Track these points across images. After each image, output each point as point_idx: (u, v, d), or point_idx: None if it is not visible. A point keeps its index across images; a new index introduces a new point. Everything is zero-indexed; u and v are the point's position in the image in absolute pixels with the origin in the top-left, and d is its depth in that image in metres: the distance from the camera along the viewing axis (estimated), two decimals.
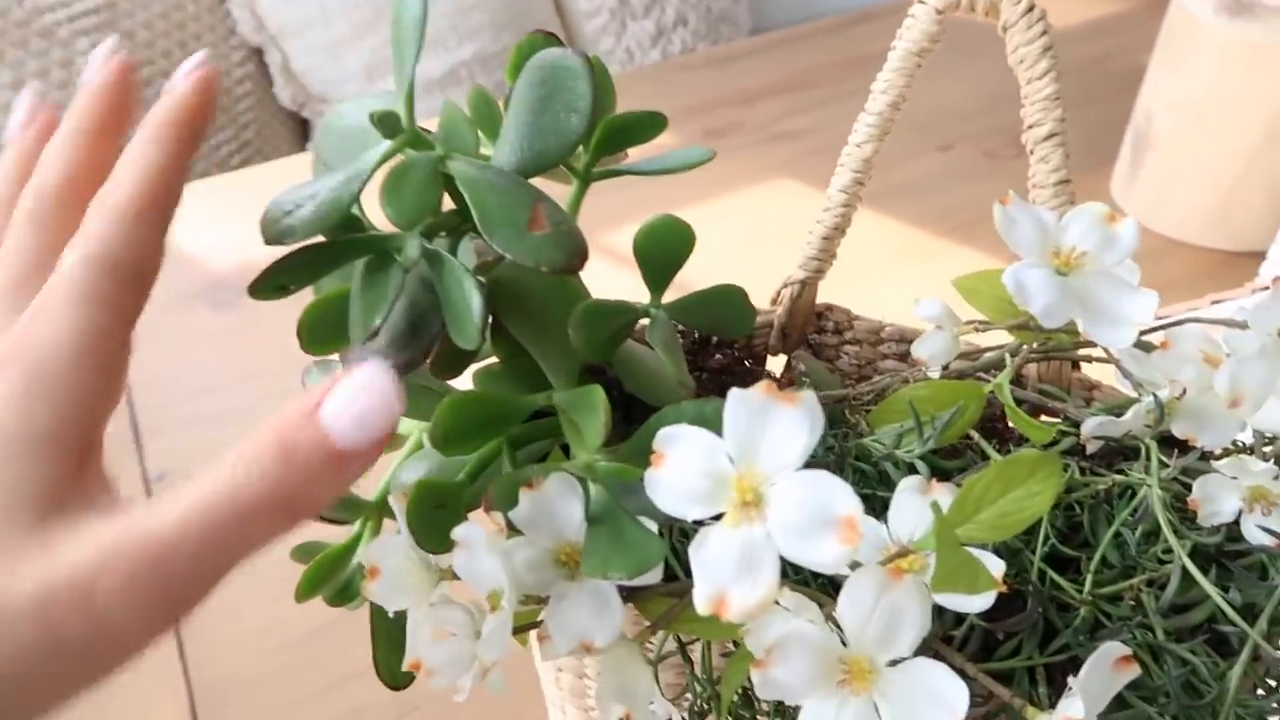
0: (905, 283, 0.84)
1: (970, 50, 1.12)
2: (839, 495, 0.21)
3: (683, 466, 0.22)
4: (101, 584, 0.19)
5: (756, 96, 1.14)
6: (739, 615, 0.21)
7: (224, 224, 0.97)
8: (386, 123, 0.27)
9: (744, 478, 0.22)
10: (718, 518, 0.22)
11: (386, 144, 0.27)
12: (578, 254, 0.26)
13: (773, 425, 0.21)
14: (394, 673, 0.32)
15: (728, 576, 0.21)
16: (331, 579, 0.32)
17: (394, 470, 0.33)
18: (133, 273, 0.23)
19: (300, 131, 1.37)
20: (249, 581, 0.66)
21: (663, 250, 0.31)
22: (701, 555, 0.22)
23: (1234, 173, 0.80)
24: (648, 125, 0.30)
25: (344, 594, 0.33)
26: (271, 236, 0.26)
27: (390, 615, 0.33)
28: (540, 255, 0.25)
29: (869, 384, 0.35)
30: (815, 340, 0.40)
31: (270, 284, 0.27)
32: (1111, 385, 0.37)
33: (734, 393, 0.21)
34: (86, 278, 0.22)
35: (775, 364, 0.41)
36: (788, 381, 0.39)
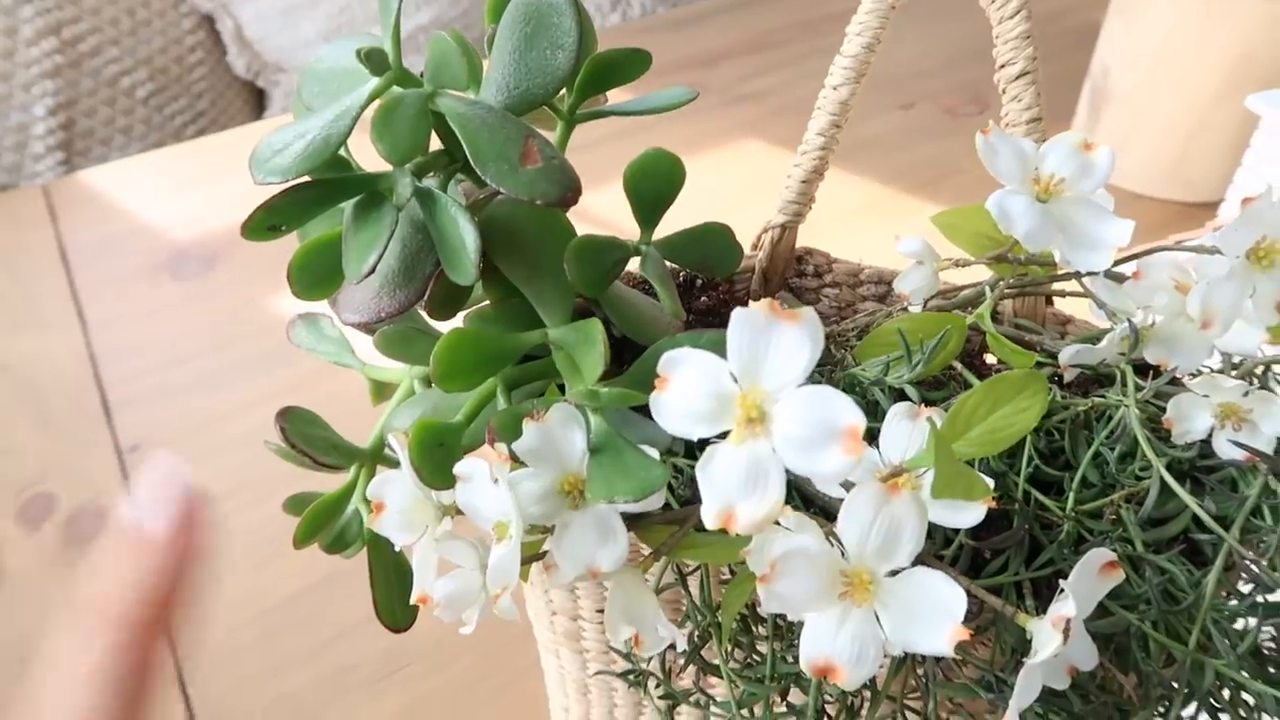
0: (869, 238, 0.85)
1: (931, 9, 1.13)
2: (842, 408, 0.22)
3: (687, 388, 0.23)
4: None
5: (718, 58, 1.14)
6: (746, 527, 0.22)
7: (183, 194, 0.96)
8: (374, 60, 0.27)
9: (748, 395, 0.22)
10: (722, 437, 0.23)
11: (374, 81, 0.27)
12: (571, 187, 0.26)
13: (775, 343, 0.22)
14: (394, 614, 0.32)
15: (735, 491, 0.22)
16: (328, 525, 0.32)
17: (388, 416, 0.33)
18: None
19: (255, 100, 1.35)
20: (231, 551, 0.66)
21: (653, 185, 0.31)
22: (709, 472, 0.22)
23: (1189, 125, 0.82)
24: (634, 62, 0.30)
25: (339, 540, 0.33)
26: (261, 175, 0.26)
27: (387, 557, 0.33)
28: (535, 188, 0.26)
29: (852, 320, 0.35)
30: (796, 284, 0.41)
31: (260, 224, 0.27)
32: (1084, 319, 0.38)
33: (738, 312, 0.22)
34: None
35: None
36: None
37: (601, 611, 0.37)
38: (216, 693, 0.55)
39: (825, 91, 0.38)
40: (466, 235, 0.26)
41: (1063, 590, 0.24)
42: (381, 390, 0.37)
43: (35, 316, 0.81)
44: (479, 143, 0.26)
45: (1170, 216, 0.84)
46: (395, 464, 0.35)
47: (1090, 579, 0.24)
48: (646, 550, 0.28)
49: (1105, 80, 0.87)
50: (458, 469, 0.27)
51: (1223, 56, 0.79)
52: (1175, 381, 0.32)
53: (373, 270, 0.26)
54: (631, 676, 0.32)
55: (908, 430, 0.28)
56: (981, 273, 0.36)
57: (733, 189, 0.89)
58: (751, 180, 0.91)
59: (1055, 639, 0.23)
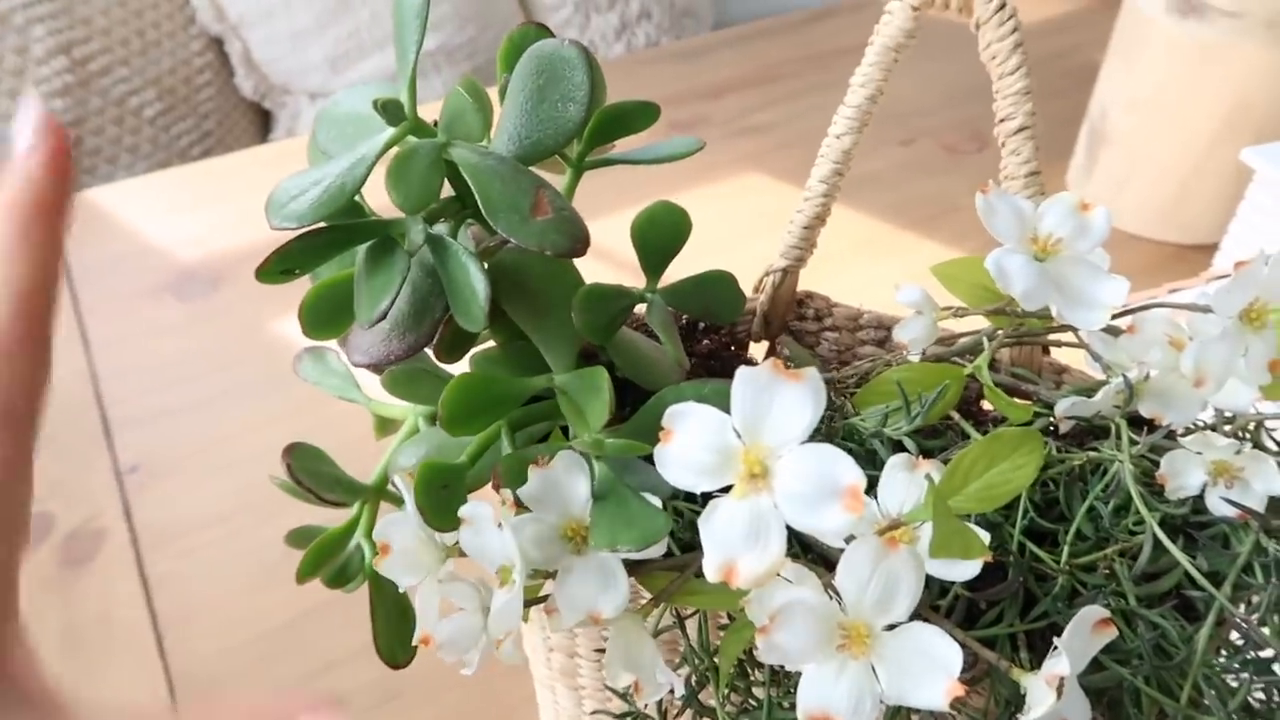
0: (867, 275, 0.86)
1: (931, 48, 1.15)
2: (843, 466, 0.22)
3: (691, 441, 0.23)
4: None
5: (722, 90, 1.16)
6: (747, 582, 0.23)
7: (188, 215, 0.97)
8: (390, 110, 0.27)
9: (751, 451, 0.23)
10: (724, 491, 0.23)
11: (390, 131, 0.28)
12: (580, 238, 0.27)
13: (778, 401, 0.22)
14: (392, 650, 0.33)
15: (737, 545, 0.22)
16: (331, 560, 0.33)
17: (391, 454, 0.34)
18: (22, 412, 0.22)
19: (262, 123, 1.36)
20: (226, 573, 0.66)
21: (660, 236, 0.32)
22: (711, 526, 0.23)
23: (1186, 168, 0.83)
24: (642, 114, 0.31)
25: (341, 575, 0.33)
26: (278, 220, 0.27)
27: (389, 595, 0.33)
28: (544, 239, 0.26)
29: (851, 368, 0.36)
30: (796, 327, 0.42)
31: (275, 269, 0.27)
32: (1080, 369, 0.38)
33: (742, 370, 0.22)
34: None
35: (757, 350, 0.42)
36: None
37: (599, 651, 0.37)
38: None
39: (828, 140, 0.39)
40: (477, 283, 0.27)
41: (1056, 647, 0.24)
42: (385, 425, 0.38)
43: None
44: (491, 193, 0.27)
45: (1166, 258, 0.85)
46: (398, 500, 0.35)
47: (1084, 636, 0.25)
48: (646, 595, 0.28)
49: (1103, 121, 0.88)
50: (463, 512, 0.27)
51: (1219, 101, 0.80)
52: (1170, 435, 0.32)
53: (384, 316, 0.26)
54: (629, 718, 0.32)
55: (905, 481, 0.28)
56: (980, 319, 0.37)
57: (736, 222, 0.90)
58: (755, 213, 0.92)
59: (1049, 697, 0.23)
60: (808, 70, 1.18)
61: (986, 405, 0.40)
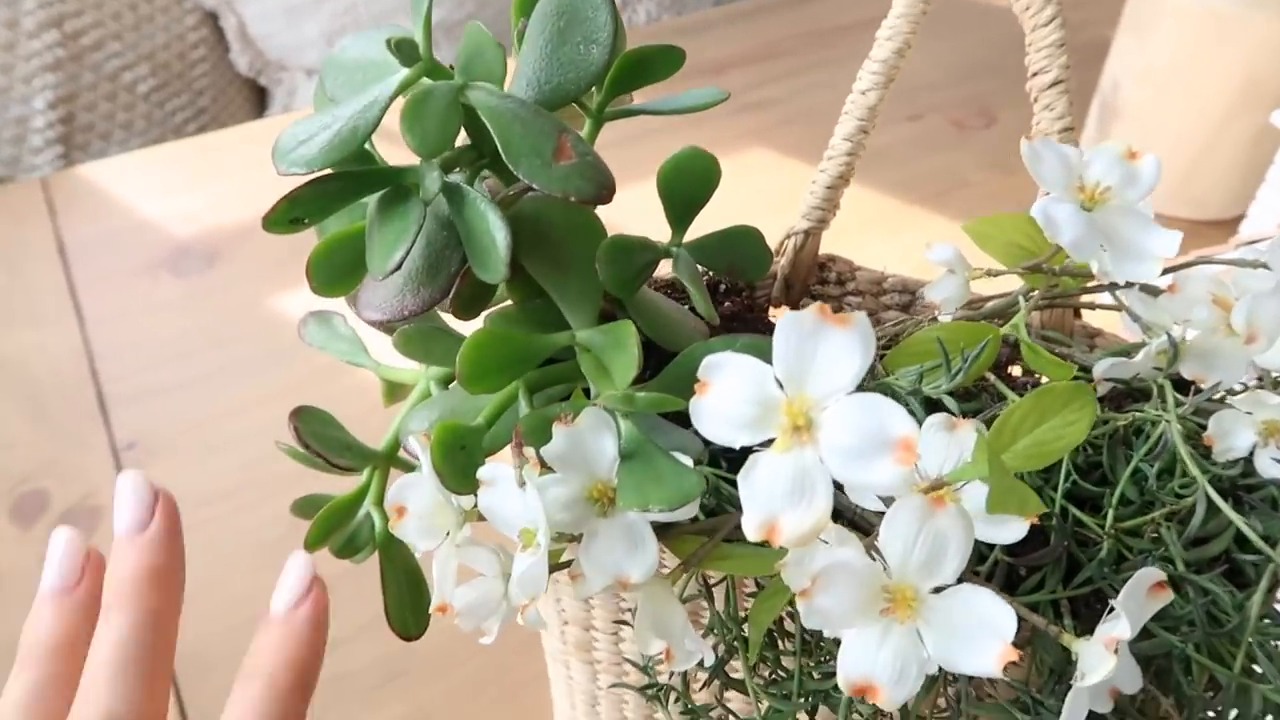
0: (876, 251, 0.85)
1: (939, 24, 1.13)
2: (895, 417, 0.21)
3: (730, 393, 0.22)
4: None
5: (725, 67, 1.14)
6: (791, 540, 0.21)
7: (183, 191, 0.95)
8: (404, 50, 0.26)
9: (794, 402, 0.21)
10: (764, 445, 0.22)
11: (404, 72, 0.26)
12: (606, 184, 0.25)
13: (824, 348, 0.21)
14: (405, 621, 0.31)
15: (779, 502, 0.21)
16: (340, 529, 0.31)
17: (403, 418, 0.33)
18: None
19: (258, 99, 1.34)
20: (228, 551, 0.65)
21: (687, 185, 0.30)
22: (751, 482, 0.21)
23: (1198, 143, 0.82)
24: (667, 59, 0.30)
25: (351, 545, 0.32)
26: (285, 166, 0.25)
27: (400, 564, 0.32)
28: (568, 185, 0.25)
29: (880, 329, 0.35)
30: (818, 291, 0.40)
31: (283, 216, 0.26)
32: (1113, 333, 0.37)
33: (786, 316, 0.21)
34: None
35: (778, 315, 0.41)
36: None
37: (617, 623, 0.36)
38: (211, 696, 0.54)
39: (853, 96, 0.38)
40: (497, 232, 0.25)
41: (1113, 610, 0.23)
42: (394, 391, 0.36)
43: (32, 311, 0.80)
44: (511, 137, 0.25)
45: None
46: (409, 467, 0.34)
47: (1139, 599, 0.23)
48: (672, 561, 0.27)
49: (1115, 96, 0.86)
50: (481, 473, 0.26)
51: (1232, 75, 0.78)
52: (1214, 398, 0.31)
53: (398, 267, 0.25)
54: (650, 690, 0.31)
55: (945, 442, 0.27)
56: (1005, 284, 0.35)
57: (740, 198, 0.88)
58: (758, 190, 0.90)
59: (1107, 661, 0.22)
60: (810, 47, 1.17)
61: (1014, 371, 0.38)
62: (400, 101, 0.27)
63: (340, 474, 0.32)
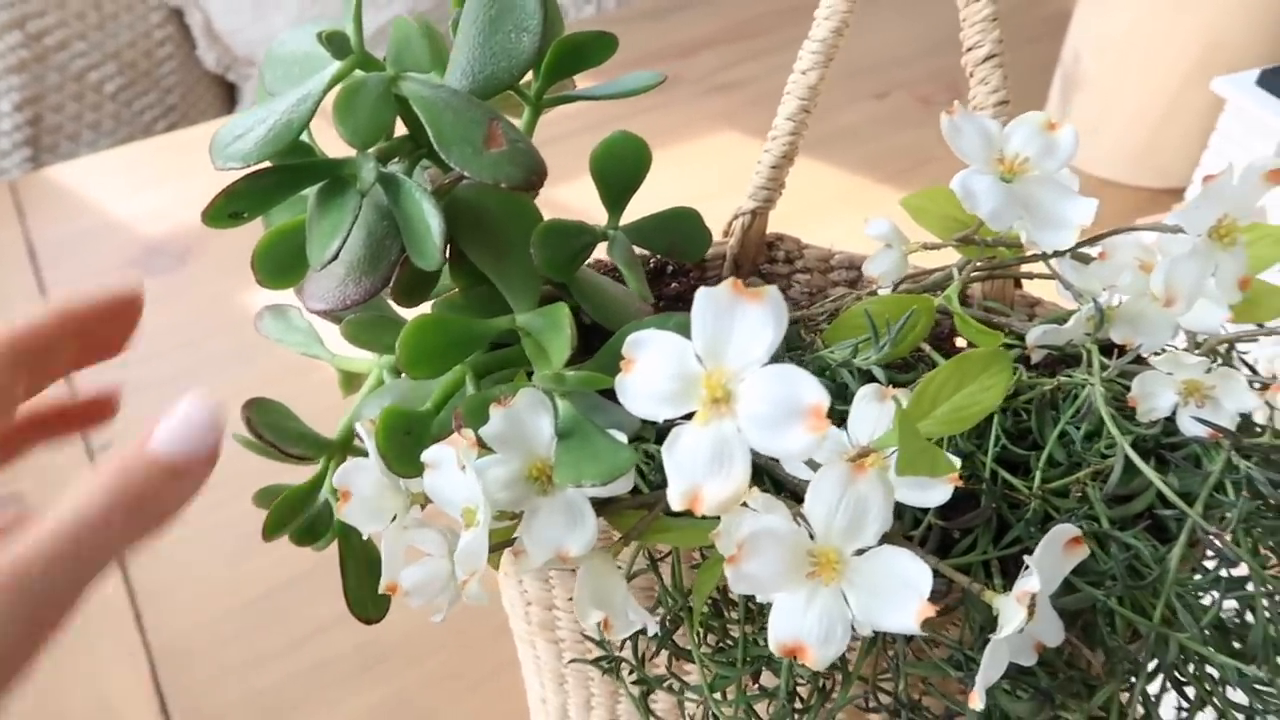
0: (843, 228, 0.86)
1: (903, 0, 1.14)
2: (806, 386, 0.22)
3: (652, 369, 0.23)
4: None
5: (694, 49, 1.14)
6: (713, 508, 0.22)
7: (154, 189, 0.95)
8: (335, 42, 0.26)
9: (713, 375, 0.22)
10: (688, 418, 0.23)
11: (336, 65, 0.27)
12: (536, 170, 0.26)
13: (739, 322, 0.22)
14: (364, 605, 0.32)
15: (701, 471, 0.22)
16: (296, 517, 0.32)
17: (357, 407, 0.33)
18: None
19: (226, 95, 1.33)
20: (204, 544, 0.66)
21: (619, 168, 0.31)
22: (674, 453, 0.22)
23: (1158, 112, 0.83)
24: (600, 46, 0.30)
25: (309, 532, 0.33)
26: (221, 161, 0.26)
27: (357, 548, 0.33)
28: (499, 172, 0.26)
29: (821, 305, 0.35)
30: (767, 270, 0.41)
31: (222, 210, 0.26)
32: (1053, 301, 0.38)
33: (702, 291, 0.22)
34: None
35: None
36: None
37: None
38: (191, 688, 0.55)
39: (794, 76, 0.38)
40: (431, 219, 0.26)
41: (1027, 566, 0.24)
42: (351, 381, 0.37)
43: (3, 315, 0.80)
44: (442, 125, 0.26)
45: (1141, 202, 0.85)
46: (364, 453, 0.34)
47: (1055, 555, 0.24)
48: (617, 535, 0.28)
49: (1076, 67, 0.87)
50: (425, 456, 0.26)
51: (1191, 43, 0.79)
52: (1140, 360, 0.32)
53: (335, 256, 0.26)
54: (605, 663, 0.32)
55: (876, 411, 0.28)
56: (951, 257, 0.36)
57: (709, 179, 0.89)
58: (728, 170, 0.91)
59: (1020, 614, 0.23)
60: (780, 26, 1.17)
61: (960, 342, 0.39)
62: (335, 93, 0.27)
63: (295, 463, 0.33)
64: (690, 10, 1.22)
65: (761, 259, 0.41)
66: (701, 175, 0.89)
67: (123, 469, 0.22)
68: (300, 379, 0.67)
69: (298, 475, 0.34)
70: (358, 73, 0.27)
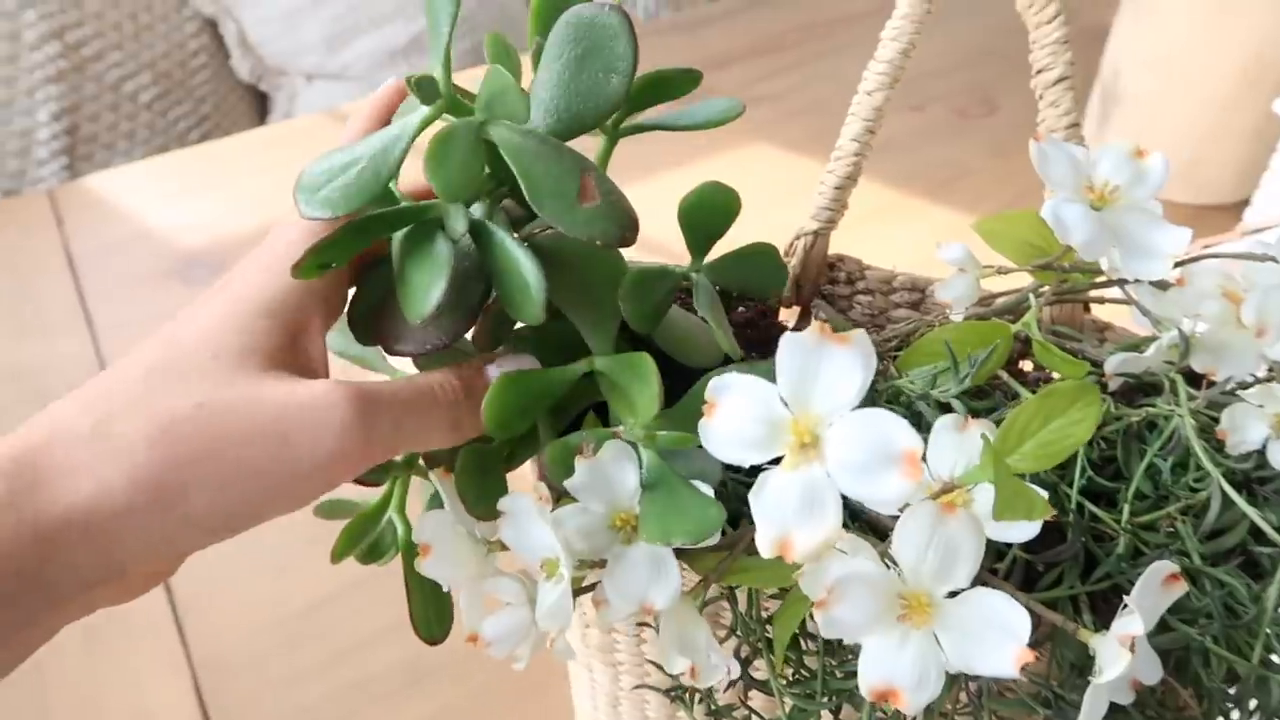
0: (882, 243, 0.85)
1: (941, 11, 1.13)
2: (899, 431, 0.21)
3: (736, 414, 0.22)
4: (328, 404, 0.24)
5: (726, 62, 1.14)
6: (803, 556, 0.22)
7: (191, 200, 0.95)
8: (424, 88, 0.26)
9: (800, 420, 0.22)
10: (774, 463, 0.22)
11: (424, 110, 0.26)
12: (630, 226, 0.26)
13: (827, 366, 0.22)
14: (429, 626, 0.32)
15: (790, 518, 0.22)
16: (365, 538, 0.32)
17: None
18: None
19: (259, 105, 1.34)
20: (246, 558, 0.65)
21: (708, 217, 0.31)
22: (762, 499, 0.22)
23: (1202, 128, 0.82)
24: (683, 81, 0.30)
25: (374, 551, 0.33)
26: (311, 210, 0.26)
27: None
28: (593, 229, 0.25)
29: (892, 329, 0.35)
30: (828, 291, 0.41)
31: (313, 265, 0.26)
32: (1122, 327, 0.37)
33: (787, 336, 0.21)
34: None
35: (789, 317, 0.41)
36: None
37: (641, 625, 0.36)
38: (233, 701, 0.55)
39: (859, 97, 0.38)
40: (529, 275, 0.25)
41: (1127, 606, 0.23)
42: None
43: (43, 322, 0.81)
44: (534, 176, 0.25)
45: (1182, 219, 0.83)
46: (426, 474, 0.34)
47: (1154, 593, 0.24)
48: (692, 575, 0.28)
49: (1116, 83, 0.86)
50: (502, 504, 0.26)
51: (1236, 58, 0.78)
52: (1225, 391, 0.31)
53: (435, 311, 0.25)
54: (674, 692, 0.32)
55: (955, 443, 0.27)
56: (1015, 279, 0.35)
57: (744, 194, 0.89)
58: (763, 184, 0.90)
59: (1123, 657, 0.22)
60: (809, 39, 1.17)
61: (1025, 365, 0.39)
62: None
63: (364, 485, 0.32)
64: (717, 24, 1.22)
65: (823, 280, 0.40)
66: (740, 188, 0.88)
67: (465, 381, 0.28)
68: None
69: (343, 489, 0.34)
70: (447, 118, 0.26)
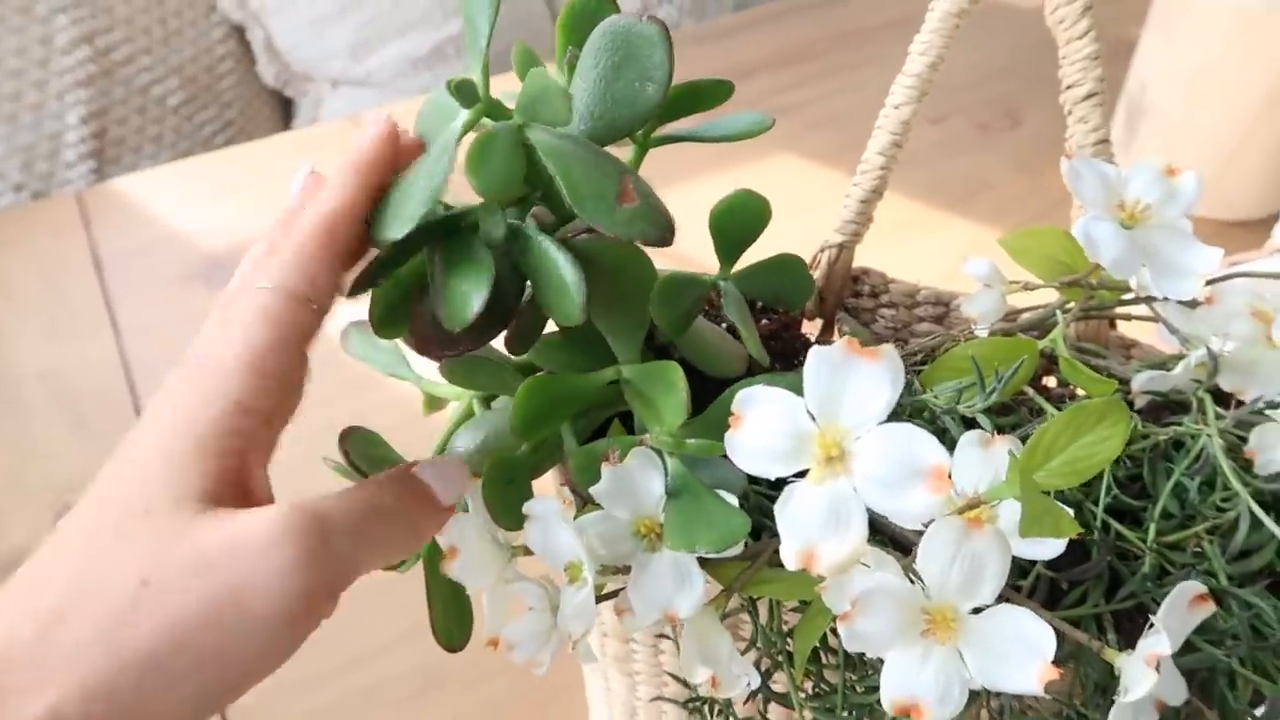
0: (902, 255, 0.85)
1: (967, 25, 1.13)
2: (926, 446, 0.21)
3: (763, 426, 0.22)
4: (270, 544, 0.23)
5: (748, 72, 1.14)
6: (828, 569, 0.22)
7: (215, 203, 0.96)
8: (464, 91, 0.26)
9: (826, 433, 0.22)
10: (800, 475, 0.22)
11: (465, 114, 0.27)
12: (668, 227, 0.26)
13: (854, 380, 0.22)
14: (450, 633, 0.32)
15: (816, 531, 0.22)
16: None
17: (445, 437, 0.33)
18: (304, 298, 0.25)
19: (284, 110, 1.35)
20: None
21: (739, 225, 0.31)
22: (788, 512, 0.22)
23: (1229, 143, 0.81)
24: (716, 92, 0.30)
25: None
26: (383, 239, 0.26)
27: (444, 578, 0.33)
28: (633, 229, 0.25)
29: (918, 343, 0.35)
30: (852, 304, 0.41)
31: (368, 283, 0.26)
32: (1149, 343, 0.37)
33: (815, 350, 0.21)
34: (262, 298, 0.25)
35: (812, 329, 0.41)
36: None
37: (659, 636, 0.36)
38: (246, 706, 0.55)
39: (886, 110, 0.38)
40: (569, 277, 0.25)
41: (1153, 625, 0.23)
42: (434, 402, 0.37)
43: (70, 324, 0.81)
44: (574, 179, 0.25)
45: (1208, 235, 0.83)
46: None
47: (1181, 613, 0.24)
48: (714, 585, 0.28)
49: (1142, 97, 0.86)
50: (528, 508, 0.26)
51: (1264, 73, 0.78)
52: (1254, 410, 0.31)
53: (476, 316, 0.25)
54: (693, 704, 0.32)
55: (980, 459, 0.27)
56: (1041, 295, 0.35)
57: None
58: (785, 195, 0.90)
59: (1149, 677, 0.22)
60: (832, 50, 1.17)
61: (1049, 382, 0.38)
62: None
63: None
64: (740, 35, 1.22)
65: (847, 293, 0.40)
66: None
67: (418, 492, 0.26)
68: (361, 395, 0.67)
69: None
70: (486, 121, 0.27)
